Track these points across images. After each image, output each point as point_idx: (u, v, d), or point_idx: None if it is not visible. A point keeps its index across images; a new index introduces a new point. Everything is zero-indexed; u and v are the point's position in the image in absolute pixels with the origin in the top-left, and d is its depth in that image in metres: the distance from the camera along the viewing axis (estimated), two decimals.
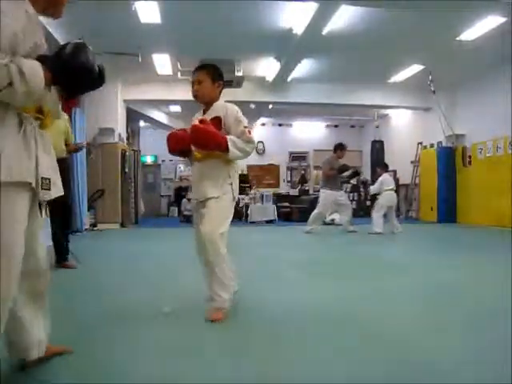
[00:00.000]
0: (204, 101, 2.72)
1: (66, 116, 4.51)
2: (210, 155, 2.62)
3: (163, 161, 15.75)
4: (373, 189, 8.42)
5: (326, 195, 8.03)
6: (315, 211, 8.14)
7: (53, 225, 4.18)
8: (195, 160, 2.70)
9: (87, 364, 1.89)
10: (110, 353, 2.06)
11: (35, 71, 1.42)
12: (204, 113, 2.73)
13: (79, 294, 3.33)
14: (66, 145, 4.37)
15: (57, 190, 1.65)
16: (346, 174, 8.41)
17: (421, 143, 11.98)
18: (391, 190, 8.11)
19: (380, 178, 8.22)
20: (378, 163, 9.89)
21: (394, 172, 13.44)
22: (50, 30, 6.39)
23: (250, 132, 2.63)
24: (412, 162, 12.27)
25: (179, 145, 2.72)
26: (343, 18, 6.82)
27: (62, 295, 3.02)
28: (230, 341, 2.24)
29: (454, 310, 2.76)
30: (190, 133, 2.57)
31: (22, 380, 1.72)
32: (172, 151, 2.76)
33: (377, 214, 7.99)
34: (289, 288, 3.49)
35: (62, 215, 4.21)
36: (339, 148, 8.21)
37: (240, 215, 12.17)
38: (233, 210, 2.69)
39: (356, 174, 9.32)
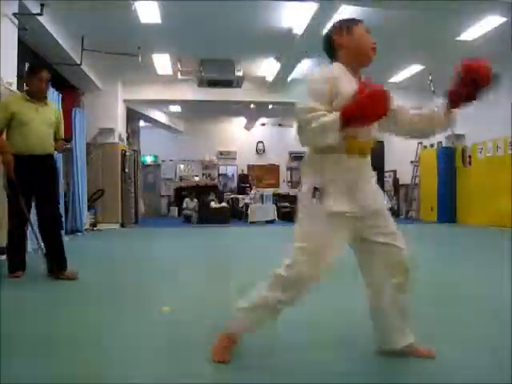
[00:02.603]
0: (369, 61, 1.99)
1: (58, 108, 4.10)
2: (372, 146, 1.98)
3: (163, 161, 15.75)
4: None
5: None
6: None
7: (46, 227, 3.70)
8: (360, 152, 1.93)
9: None
10: None
11: None
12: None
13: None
14: (56, 140, 3.81)
15: None
16: None
17: (421, 143, 11.96)
18: None
19: None
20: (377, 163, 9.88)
21: (394, 172, 13.44)
22: (49, 30, 6.39)
23: None
24: (412, 162, 12.26)
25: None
26: (343, 17, 6.81)
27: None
28: None
29: (454, 310, 2.76)
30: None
31: None
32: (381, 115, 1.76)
33: None
34: None
35: (55, 216, 3.75)
36: None
37: (240, 215, 12.18)
38: None
39: None
